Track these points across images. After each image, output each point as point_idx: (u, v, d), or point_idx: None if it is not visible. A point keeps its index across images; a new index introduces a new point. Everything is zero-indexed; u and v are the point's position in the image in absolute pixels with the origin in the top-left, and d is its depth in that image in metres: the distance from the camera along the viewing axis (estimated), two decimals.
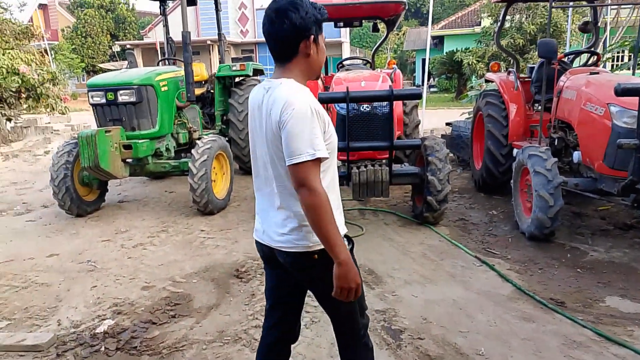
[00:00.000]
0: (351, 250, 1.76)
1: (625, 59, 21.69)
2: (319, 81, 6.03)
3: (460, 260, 4.11)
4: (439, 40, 31.17)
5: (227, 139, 6.77)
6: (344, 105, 4.36)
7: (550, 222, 4.24)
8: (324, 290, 1.75)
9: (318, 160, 1.61)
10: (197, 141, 5.51)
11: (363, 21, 7.21)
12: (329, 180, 1.74)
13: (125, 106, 5.44)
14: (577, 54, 5.81)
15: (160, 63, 8.13)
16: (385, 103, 4.37)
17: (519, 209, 4.82)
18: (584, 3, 6.01)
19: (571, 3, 7.07)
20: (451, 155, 4.82)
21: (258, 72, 8.01)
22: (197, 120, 6.66)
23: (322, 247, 1.67)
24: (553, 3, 4.83)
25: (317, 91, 5.96)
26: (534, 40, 18.83)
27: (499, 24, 6.43)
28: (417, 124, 6.67)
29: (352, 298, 1.70)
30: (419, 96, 4.10)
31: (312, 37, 1.71)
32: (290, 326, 2.04)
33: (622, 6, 17.86)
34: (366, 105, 4.45)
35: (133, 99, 5.43)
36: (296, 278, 1.89)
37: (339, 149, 4.57)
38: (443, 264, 4.05)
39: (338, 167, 5.04)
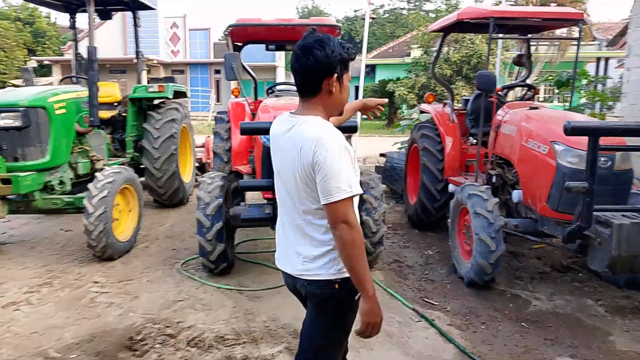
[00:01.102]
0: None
1: (542, 93, 23.02)
2: (246, 107, 5.46)
3: (397, 315, 3.63)
4: (371, 69, 31.80)
5: (135, 169, 5.96)
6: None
7: (492, 268, 3.89)
8: (326, 324, 1.86)
9: (352, 197, 1.68)
10: (97, 173, 4.70)
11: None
12: (355, 215, 1.75)
13: (7, 131, 4.54)
14: (515, 87, 5.69)
15: (63, 81, 7.20)
16: None
17: (456, 252, 4.46)
18: (519, 36, 5.92)
19: (502, 35, 7.05)
20: (384, 186, 4.36)
21: (180, 94, 7.30)
22: (103, 147, 5.81)
23: (343, 277, 1.76)
24: (491, 35, 4.64)
25: (243, 117, 5.40)
26: (459, 71, 19.53)
27: (435, 54, 6.24)
28: None
29: (375, 333, 1.75)
30: (354, 129, 3.65)
31: (336, 75, 1.77)
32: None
33: (541, 42, 19.04)
34: None
35: (18, 124, 4.54)
36: (308, 305, 1.93)
37: (265, 188, 4.01)
38: None
39: (263, 206, 4.52)
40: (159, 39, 28.87)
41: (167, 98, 6.68)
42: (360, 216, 4.23)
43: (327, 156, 1.64)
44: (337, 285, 1.79)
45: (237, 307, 3.79)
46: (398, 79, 22.36)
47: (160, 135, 6.33)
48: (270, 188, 3.79)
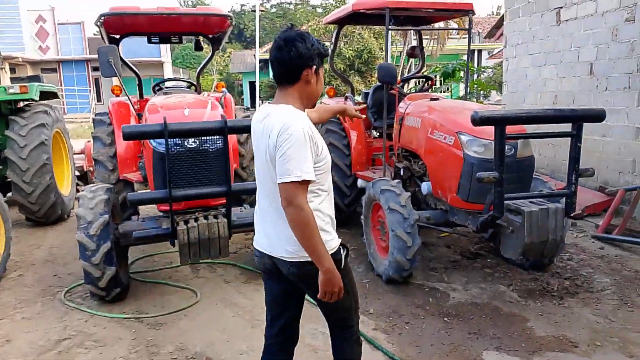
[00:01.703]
0: (346, 256, 2.03)
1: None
2: (131, 107, 4.84)
3: (320, 325, 3.37)
4: (264, 64, 31.41)
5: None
6: (162, 140, 3.32)
7: (409, 264, 3.81)
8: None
9: (305, 182, 1.80)
10: None
11: (183, 38, 6.21)
12: (322, 199, 1.96)
13: None
14: (413, 78, 5.73)
15: None
16: (217, 137, 3.45)
17: (372, 249, 4.34)
18: (412, 27, 5.96)
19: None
20: None
21: (50, 95, 6.35)
22: None
23: (330, 251, 1.91)
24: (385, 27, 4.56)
25: (128, 119, 4.78)
26: (352, 65, 19.98)
27: (331, 47, 6.08)
28: None
29: (335, 299, 1.91)
30: (249, 129, 3.29)
31: (314, 67, 1.93)
32: (292, 332, 2.25)
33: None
34: (193, 141, 3.47)
35: None
36: (297, 286, 2.08)
37: (159, 200, 3.50)
38: (302, 335, 3.25)
39: (160, 220, 3.97)
40: (22, 34, 25.72)
41: (33, 100, 5.75)
42: None
43: (288, 140, 1.78)
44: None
45: (136, 338, 3.28)
46: None
47: (27, 143, 5.44)
48: (166, 200, 3.30)
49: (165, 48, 28.83)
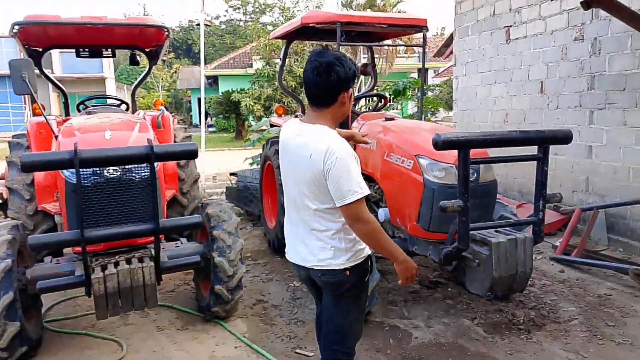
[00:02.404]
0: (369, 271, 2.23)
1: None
2: (53, 127, 4.24)
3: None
4: (213, 80, 30.75)
5: None
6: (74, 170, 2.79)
7: (368, 302, 3.43)
8: (345, 306, 2.18)
9: (363, 197, 1.95)
10: None
11: (116, 51, 5.67)
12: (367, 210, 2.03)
13: None
14: (366, 97, 5.45)
15: None
16: (143, 165, 2.96)
17: None
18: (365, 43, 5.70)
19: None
20: (238, 219, 3.61)
21: None
22: None
23: (352, 265, 2.09)
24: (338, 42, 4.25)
25: (49, 142, 4.19)
26: (303, 82, 19.74)
27: (280, 63, 5.73)
28: (196, 178, 5.37)
29: (412, 281, 2.17)
30: (192, 154, 2.85)
31: (350, 89, 2.06)
32: None
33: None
34: (115, 169, 2.96)
35: None
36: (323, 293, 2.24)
37: (67, 243, 2.95)
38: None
39: (76, 262, 3.38)
40: None
41: None
42: (212, 258, 3.47)
43: (337, 163, 1.89)
44: (347, 272, 2.08)
45: None
46: (243, 89, 21.76)
47: None
48: (77, 242, 2.74)
49: (108, 63, 27.62)
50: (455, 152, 3.30)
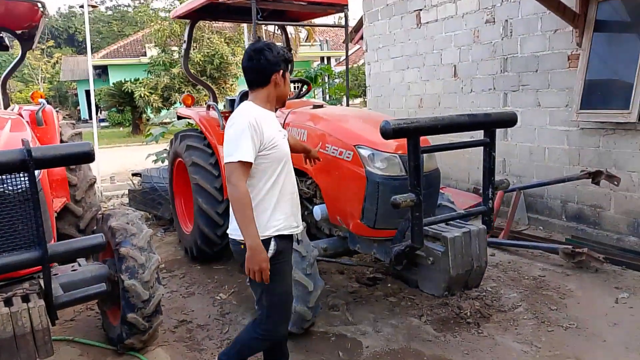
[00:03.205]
0: (280, 252, 2.23)
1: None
2: None
3: None
4: (102, 70, 28.25)
5: None
6: None
7: (312, 313, 3.06)
8: (253, 284, 2.29)
9: (241, 164, 2.09)
10: None
11: None
12: (271, 183, 2.21)
13: None
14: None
15: None
16: (20, 174, 2.25)
17: None
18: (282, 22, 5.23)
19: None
20: (150, 231, 3.01)
21: None
22: None
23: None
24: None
25: None
26: (204, 71, 18.65)
27: (184, 45, 5.07)
28: (92, 181, 4.59)
29: (259, 279, 2.11)
30: (86, 157, 2.20)
31: (281, 71, 2.27)
32: None
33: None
34: None
35: None
36: None
37: None
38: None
39: None
40: None
41: None
42: (122, 281, 2.86)
43: (232, 126, 2.16)
44: (242, 246, 2.15)
45: None
46: (137, 79, 20.10)
47: None
48: None
49: None
50: (398, 141, 3.07)
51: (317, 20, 5.89)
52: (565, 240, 4.81)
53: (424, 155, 3.11)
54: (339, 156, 3.21)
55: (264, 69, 2.21)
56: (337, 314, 3.59)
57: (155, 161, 7.34)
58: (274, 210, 2.21)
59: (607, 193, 4.73)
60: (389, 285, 4.06)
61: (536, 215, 5.49)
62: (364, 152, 3.06)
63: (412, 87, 7.25)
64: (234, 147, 2.09)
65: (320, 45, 30.53)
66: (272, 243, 2.18)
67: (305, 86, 4.49)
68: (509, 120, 2.88)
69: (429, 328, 3.35)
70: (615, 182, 4.36)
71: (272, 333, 2.31)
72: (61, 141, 4.44)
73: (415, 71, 7.14)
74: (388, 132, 2.45)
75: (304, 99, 4.60)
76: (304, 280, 2.96)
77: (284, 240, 2.26)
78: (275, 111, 2.44)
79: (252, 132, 2.09)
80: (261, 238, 2.11)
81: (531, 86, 5.37)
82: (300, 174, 3.77)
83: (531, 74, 5.35)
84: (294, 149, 2.77)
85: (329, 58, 29.86)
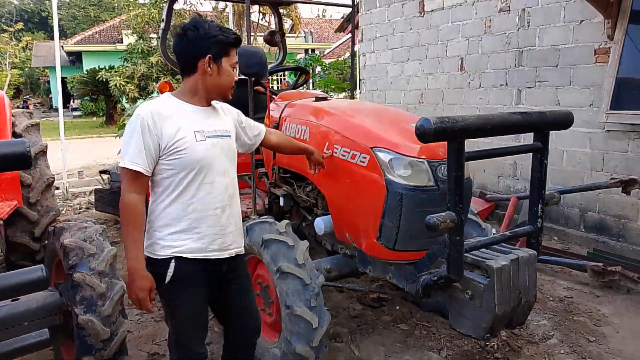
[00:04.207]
0: (188, 275, 1.85)
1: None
2: None
3: None
4: (76, 57, 27.01)
5: None
6: None
7: (315, 354, 2.46)
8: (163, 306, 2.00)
9: (129, 170, 1.75)
10: None
11: None
12: (175, 195, 1.82)
13: None
14: (284, 70, 4.37)
15: None
16: None
17: None
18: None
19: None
20: (114, 249, 2.36)
21: None
22: None
23: (149, 255, 1.84)
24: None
25: None
26: None
27: (162, 25, 4.40)
28: (50, 181, 3.94)
29: (139, 307, 1.79)
30: (20, 161, 1.57)
31: (210, 56, 1.83)
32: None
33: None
34: None
35: None
36: None
37: None
38: None
39: None
40: None
41: None
42: (76, 316, 2.24)
43: (126, 127, 1.80)
44: (147, 261, 1.82)
45: None
46: (112, 67, 19.13)
47: None
48: None
49: None
50: (424, 143, 2.50)
51: None
52: (587, 254, 4.33)
53: None
54: (350, 160, 2.62)
55: (189, 53, 1.86)
56: (340, 346, 3.02)
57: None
58: (177, 226, 1.84)
59: (634, 203, 4.27)
60: (397, 307, 3.51)
61: (550, 224, 5.00)
62: (384, 157, 2.47)
63: (412, 80, 6.70)
64: (124, 150, 1.77)
65: (305, 37, 29.81)
66: (171, 266, 1.83)
67: (304, 75, 3.88)
68: (565, 121, 2.33)
69: None
70: None
71: (189, 357, 1.96)
72: (14, 134, 3.79)
73: (417, 64, 6.59)
74: (427, 133, 1.87)
75: (302, 90, 3.99)
76: (307, 315, 2.37)
77: (191, 264, 1.85)
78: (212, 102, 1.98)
79: (143, 132, 1.74)
80: (158, 257, 1.83)
81: (550, 82, 4.87)
82: (298, 177, 3.19)
83: (550, 69, 4.85)
84: (285, 150, 2.52)
85: (313, 50, 29.15)
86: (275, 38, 4.54)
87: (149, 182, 1.86)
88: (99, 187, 5.49)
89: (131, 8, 19.19)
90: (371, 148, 2.53)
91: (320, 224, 2.89)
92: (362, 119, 2.74)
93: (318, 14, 41.97)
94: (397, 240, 2.45)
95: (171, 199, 1.83)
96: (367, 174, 2.53)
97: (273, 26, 5.19)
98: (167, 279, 1.83)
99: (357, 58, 8.01)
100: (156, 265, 1.84)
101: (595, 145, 4.51)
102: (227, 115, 2.06)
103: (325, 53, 29.68)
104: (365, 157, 2.55)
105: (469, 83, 5.79)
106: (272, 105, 3.46)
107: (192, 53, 1.84)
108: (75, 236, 2.45)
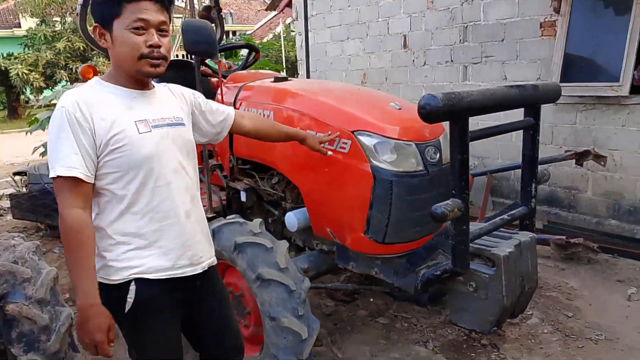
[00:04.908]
0: (151, 298, 1.50)
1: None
2: None
3: None
4: None
5: None
6: None
7: None
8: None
9: (65, 179, 1.37)
10: None
11: None
12: (126, 202, 1.46)
13: None
14: (232, 49, 3.93)
15: None
16: None
17: None
18: None
19: None
20: (53, 270, 1.93)
21: None
22: None
23: (100, 281, 1.44)
24: None
25: None
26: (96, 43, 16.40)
27: (80, 2, 3.80)
28: None
29: (95, 353, 1.40)
30: None
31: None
32: None
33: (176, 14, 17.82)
34: None
35: None
36: None
37: None
38: None
39: None
40: None
41: None
42: (14, 358, 1.81)
43: (51, 122, 1.42)
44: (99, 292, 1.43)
45: None
46: (11, 54, 17.23)
47: None
48: None
49: None
50: (407, 123, 2.30)
51: None
52: (544, 227, 4.41)
53: (443, 140, 2.39)
54: (328, 146, 2.33)
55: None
56: (321, 350, 2.77)
57: (44, 154, 5.84)
58: (133, 243, 1.49)
59: (584, 174, 4.38)
60: (372, 300, 3.31)
61: (502, 199, 5.05)
62: (367, 141, 2.22)
63: (354, 60, 6.49)
64: (53, 156, 1.39)
65: (224, 18, 28.76)
66: (131, 289, 1.48)
67: (254, 53, 3.51)
68: (555, 94, 2.22)
69: (441, 358, 2.66)
70: (602, 163, 3.97)
71: None
72: None
73: (357, 42, 6.38)
74: (435, 112, 1.65)
75: (251, 70, 3.61)
76: (295, 325, 2.09)
77: (156, 286, 1.50)
78: (147, 87, 1.57)
79: (72, 127, 1.38)
80: (113, 282, 1.47)
81: (496, 57, 4.85)
82: (260, 168, 2.86)
83: (496, 44, 4.83)
84: (266, 137, 2.10)
85: (234, 32, 28.16)
86: (212, 14, 4.09)
87: None
88: (15, 192, 4.76)
89: None
90: (352, 132, 2.26)
91: (293, 219, 2.59)
92: (337, 101, 2.45)
93: None
94: (387, 233, 2.22)
95: (120, 210, 1.47)
96: (349, 162, 2.26)
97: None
98: (128, 306, 1.49)
99: (290, 38, 7.67)
100: (112, 292, 1.48)
101: (545, 119, 4.52)
102: (178, 99, 1.68)
103: (246, 34, 28.84)
104: (345, 143, 2.28)
105: (414, 61, 5.68)
106: (224, 90, 3.07)
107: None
108: (2, 258, 1.97)
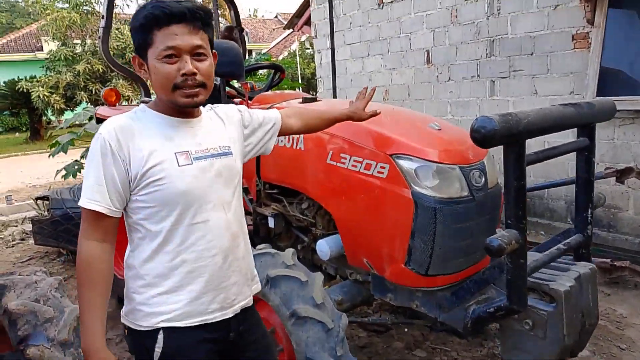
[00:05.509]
0: (181, 348, 1.37)
1: None
2: None
3: None
4: None
5: None
6: None
7: None
8: None
9: (87, 211, 1.30)
10: None
11: None
12: (159, 241, 1.35)
13: None
14: (259, 69, 3.85)
15: None
16: None
17: None
18: None
19: None
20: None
21: None
22: None
23: (128, 325, 1.40)
24: None
25: None
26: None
27: (102, 23, 3.76)
28: None
29: None
30: None
31: (135, 55, 1.39)
32: None
33: None
34: None
35: None
36: None
37: None
38: None
39: None
40: None
41: None
42: None
43: (88, 154, 1.36)
44: (126, 331, 1.43)
45: None
46: (34, 77, 17.55)
47: None
48: None
49: None
50: (449, 146, 2.16)
51: None
52: None
53: (487, 162, 2.24)
54: (364, 171, 2.19)
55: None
56: None
57: (66, 176, 5.82)
58: (163, 285, 1.36)
59: (624, 192, 4.16)
60: (407, 330, 3.13)
61: (535, 219, 4.84)
62: (407, 165, 2.07)
63: (375, 77, 6.38)
64: (84, 183, 1.32)
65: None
66: (159, 339, 1.36)
67: (278, 73, 3.41)
68: (610, 111, 2.05)
69: None
70: None
71: None
72: None
73: (378, 59, 6.28)
74: (491, 136, 1.50)
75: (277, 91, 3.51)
76: None
77: (187, 334, 1.37)
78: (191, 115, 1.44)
79: (104, 157, 1.29)
80: (141, 329, 1.36)
81: (526, 72, 4.69)
82: (289, 193, 2.73)
83: (525, 57, 4.67)
84: (318, 128, 1.91)
85: (250, 51, 28.47)
86: (234, 34, 4.02)
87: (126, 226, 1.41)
88: (36, 215, 4.71)
89: (48, 12, 17.57)
90: (390, 155, 2.12)
91: (325, 247, 2.45)
92: (373, 122, 2.30)
93: (249, 14, 41.16)
94: (430, 264, 2.06)
95: (153, 249, 1.36)
96: (387, 187, 2.12)
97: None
98: (156, 356, 1.36)
99: (305, 55, 7.61)
100: (140, 340, 1.38)
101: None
102: (224, 123, 1.53)
103: (262, 53, 29.09)
104: (383, 167, 2.14)
105: (437, 76, 5.54)
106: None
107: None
108: (24, 296, 1.86)
